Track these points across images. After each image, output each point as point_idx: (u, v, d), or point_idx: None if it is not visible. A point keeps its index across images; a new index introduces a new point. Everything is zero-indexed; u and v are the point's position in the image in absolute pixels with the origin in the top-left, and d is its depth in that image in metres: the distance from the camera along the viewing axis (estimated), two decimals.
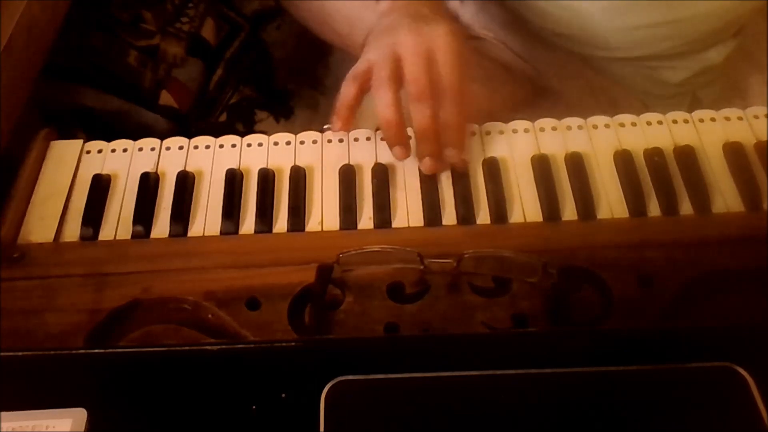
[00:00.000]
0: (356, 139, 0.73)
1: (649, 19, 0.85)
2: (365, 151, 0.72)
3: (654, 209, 0.66)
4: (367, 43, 0.71)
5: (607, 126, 0.73)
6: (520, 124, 0.73)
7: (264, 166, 0.71)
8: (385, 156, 0.71)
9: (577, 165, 0.69)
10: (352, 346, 0.51)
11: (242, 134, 0.74)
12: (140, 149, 0.73)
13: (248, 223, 0.67)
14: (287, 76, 1.20)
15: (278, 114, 1.17)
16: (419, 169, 0.70)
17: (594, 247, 0.63)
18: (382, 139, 0.73)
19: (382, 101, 0.67)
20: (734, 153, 0.70)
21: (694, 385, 0.46)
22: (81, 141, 0.74)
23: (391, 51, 0.67)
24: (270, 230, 0.67)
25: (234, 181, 0.69)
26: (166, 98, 1.02)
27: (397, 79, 0.67)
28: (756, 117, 0.73)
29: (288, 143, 0.73)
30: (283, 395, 0.45)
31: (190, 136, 0.74)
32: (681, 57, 0.92)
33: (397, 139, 0.68)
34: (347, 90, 0.69)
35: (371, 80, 0.68)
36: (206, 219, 0.67)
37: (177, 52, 1.03)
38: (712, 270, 0.61)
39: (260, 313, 0.59)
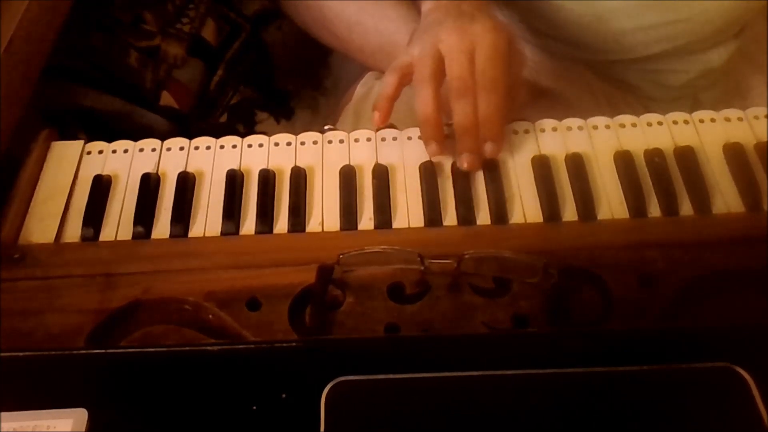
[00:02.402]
0: (356, 140, 0.73)
1: (655, 19, 0.85)
2: (366, 151, 0.72)
3: (654, 210, 0.66)
4: (411, 40, 0.72)
5: (607, 127, 0.73)
6: (521, 125, 0.73)
7: (264, 166, 0.71)
8: (386, 156, 0.72)
9: (577, 165, 0.69)
10: (353, 347, 0.51)
11: (243, 135, 0.74)
12: (141, 150, 0.73)
13: (249, 224, 0.67)
14: (288, 77, 1.20)
15: (279, 115, 1.17)
16: (419, 169, 0.70)
17: (594, 247, 0.63)
18: (383, 139, 0.73)
19: (422, 97, 0.68)
20: (734, 154, 0.70)
21: (694, 385, 0.46)
22: (82, 142, 0.74)
23: (434, 48, 0.68)
24: (270, 231, 0.67)
25: (234, 181, 0.69)
26: (166, 99, 1.03)
27: (439, 76, 0.67)
28: (756, 118, 0.73)
29: (288, 144, 0.73)
30: (284, 395, 0.45)
31: (190, 137, 0.74)
32: (682, 58, 0.92)
33: (434, 136, 0.69)
34: (389, 81, 0.70)
35: (413, 76, 0.69)
36: (207, 219, 0.68)
37: (178, 52, 1.03)
38: (712, 270, 0.61)
39: (261, 313, 0.59)
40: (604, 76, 0.95)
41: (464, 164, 0.69)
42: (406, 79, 0.70)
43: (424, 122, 0.69)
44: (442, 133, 0.69)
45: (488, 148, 0.69)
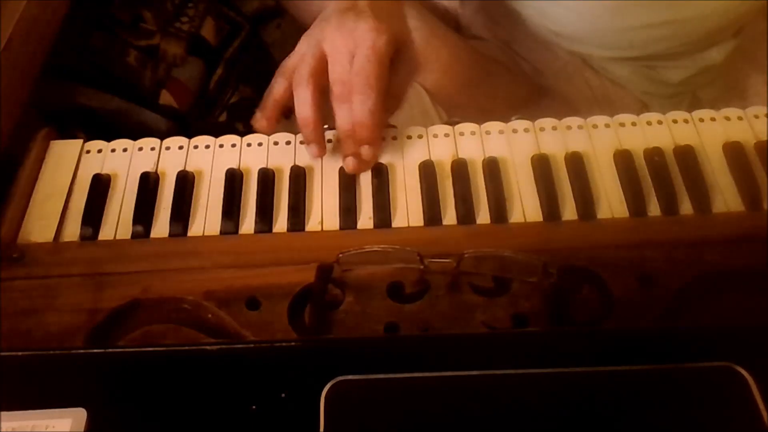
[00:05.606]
0: None
1: (650, 18, 0.85)
2: None
3: (654, 209, 0.66)
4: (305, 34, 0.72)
5: (607, 126, 0.73)
6: (520, 124, 0.73)
7: (264, 165, 0.71)
8: (385, 155, 0.71)
9: (577, 165, 0.69)
10: (352, 346, 0.51)
11: (242, 134, 0.74)
12: (140, 149, 0.73)
13: (248, 223, 0.67)
14: None
15: None
16: (419, 168, 0.70)
17: (594, 247, 0.63)
18: (382, 138, 0.73)
19: (299, 99, 0.68)
20: (734, 153, 0.69)
21: (694, 385, 0.46)
22: (81, 141, 0.74)
23: (318, 48, 0.67)
24: (270, 230, 0.67)
25: (234, 180, 0.69)
26: (166, 98, 1.02)
27: (318, 76, 0.67)
28: (756, 117, 0.73)
29: (288, 143, 0.73)
30: (283, 395, 0.45)
31: (190, 136, 0.74)
32: (681, 57, 0.92)
33: (313, 137, 0.69)
34: (277, 87, 0.69)
35: (294, 77, 0.68)
36: (206, 219, 0.67)
37: (177, 51, 1.03)
38: (712, 270, 0.61)
39: (260, 312, 0.59)
40: (603, 74, 0.95)
41: (348, 167, 0.69)
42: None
43: (302, 125, 0.68)
44: (321, 135, 0.69)
45: (364, 152, 0.68)
